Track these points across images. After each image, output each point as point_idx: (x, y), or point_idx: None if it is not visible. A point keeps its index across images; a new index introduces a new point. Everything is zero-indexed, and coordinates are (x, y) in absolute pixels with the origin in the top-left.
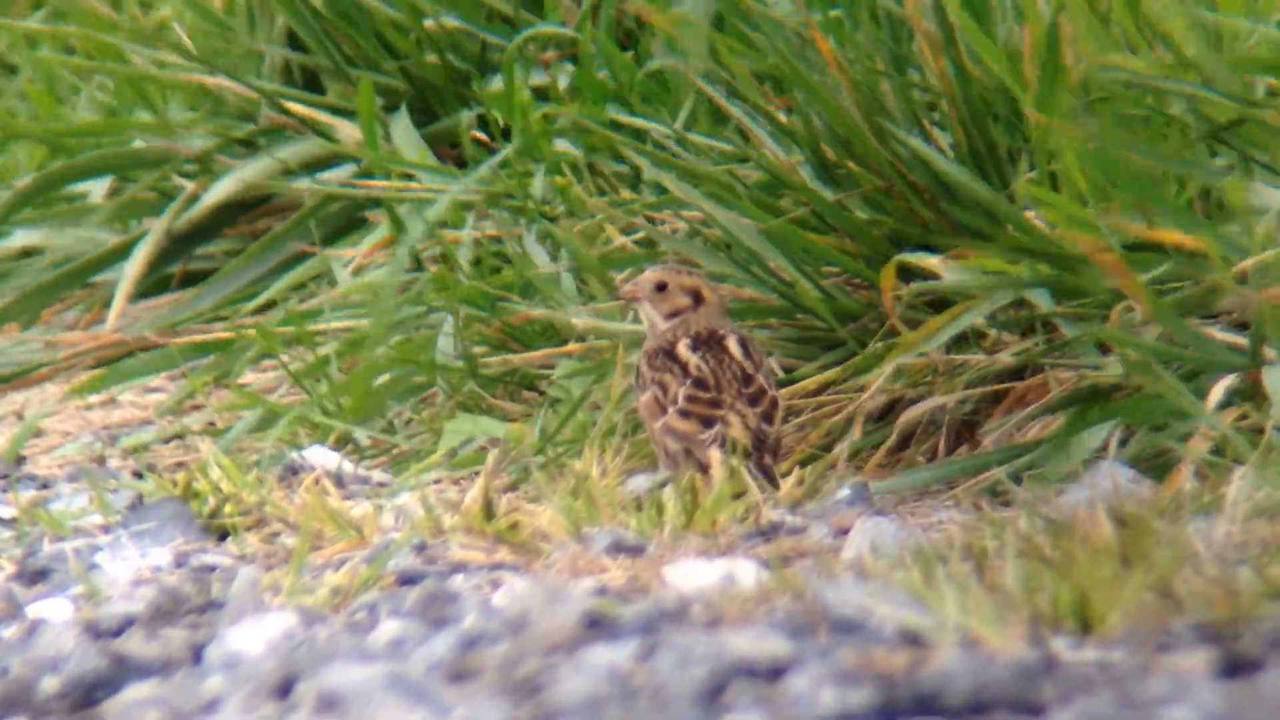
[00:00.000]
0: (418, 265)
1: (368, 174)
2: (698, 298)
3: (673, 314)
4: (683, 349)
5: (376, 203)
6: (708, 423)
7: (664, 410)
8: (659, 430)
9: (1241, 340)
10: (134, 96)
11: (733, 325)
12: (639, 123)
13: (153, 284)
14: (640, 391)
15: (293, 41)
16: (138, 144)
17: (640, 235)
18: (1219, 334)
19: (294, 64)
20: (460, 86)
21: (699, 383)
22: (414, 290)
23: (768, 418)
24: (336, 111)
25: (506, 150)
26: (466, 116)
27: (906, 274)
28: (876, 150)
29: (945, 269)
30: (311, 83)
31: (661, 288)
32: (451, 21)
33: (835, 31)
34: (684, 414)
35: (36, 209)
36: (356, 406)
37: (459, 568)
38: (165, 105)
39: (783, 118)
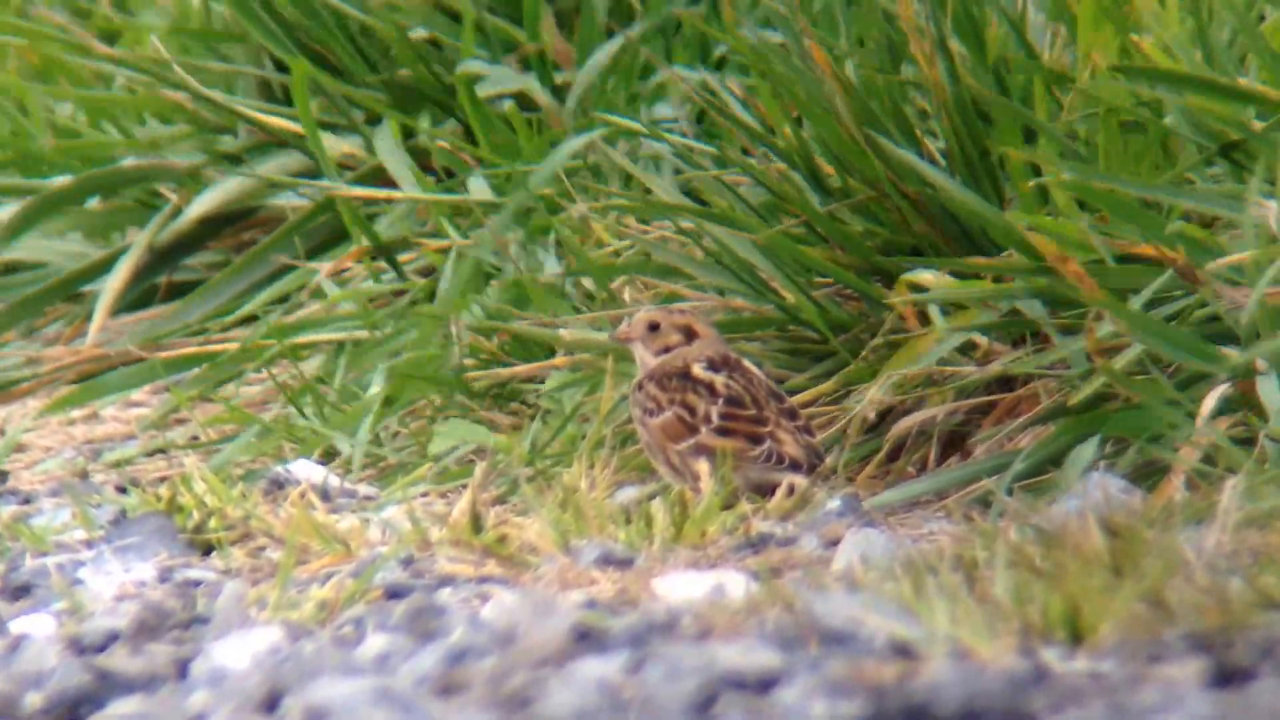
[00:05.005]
0: (401, 277)
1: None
2: (690, 334)
3: (663, 350)
4: (699, 370)
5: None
6: (755, 440)
7: (692, 430)
8: (684, 450)
9: (1233, 351)
10: (111, 115)
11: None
12: (627, 123)
13: (137, 297)
14: (651, 414)
15: (272, 57)
16: (123, 161)
17: (629, 244)
18: (1207, 345)
19: (273, 80)
20: (445, 97)
21: (733, 400)
22: (401, 301)
23: (809, 431)
24: (319, 125)
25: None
26: (451, 126)
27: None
28: (870, 160)
29: (937, 281)
30: (291, 98)
31: (654, 327)
32: (423, 32)
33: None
34: (723, 431)
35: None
36: (347, 418)
37: (446, 581)
38: (143, 121)
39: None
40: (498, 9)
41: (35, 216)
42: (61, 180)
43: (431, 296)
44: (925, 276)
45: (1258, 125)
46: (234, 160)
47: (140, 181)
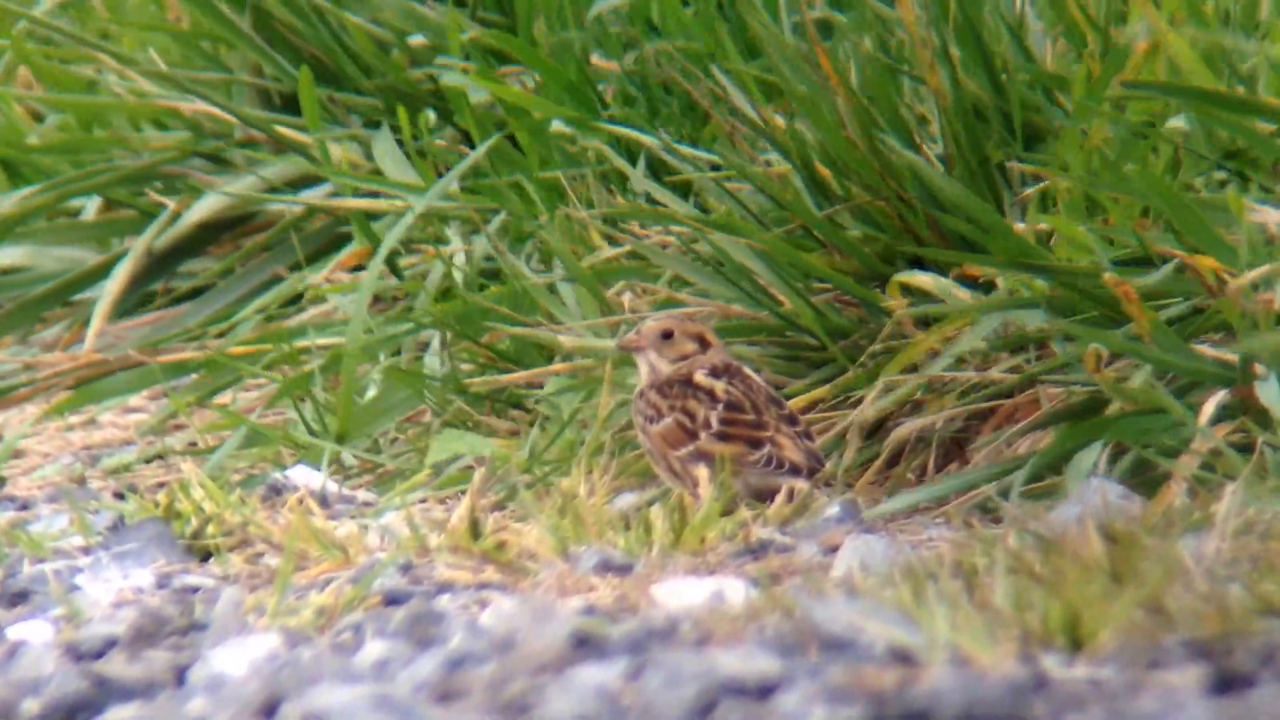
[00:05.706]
0: (400, 280)
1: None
2: (704, 342)
3: (680, 358)
4: (701, 378)
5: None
6: (755, 444)
7: (692, 436)
8: (684, 456)
9: (1231, 357)
10: (107, 122)
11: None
12: (624, 131)
13: (135, 303)
14: (651, 421)
15: (267, 63)
16: (119, 163)
17: (627, 249)
18: (1210, 351)
19: (271, 88)
20: (442, 103)
21: (733, 405)
22: (399, 307)
23: (809, 436)
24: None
25: (472, 158)
26: (449, 131)
27: (902, 290)
28: (871, 164)
29: (938, 287)
30: (288, 104)
31: (667, 335)
32: (421, 39)
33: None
34: (722, 437)
35: (22, 229)
36: (345, 425)
37: (445, 587)
38: (139, 128)
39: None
40: (490, 21)
41: (34, 211)
42: (56, 180)
43: (437, 297)
44: (923, 279)
45: (1264, 128)
46: (230, 165)
47: (137, 182)
